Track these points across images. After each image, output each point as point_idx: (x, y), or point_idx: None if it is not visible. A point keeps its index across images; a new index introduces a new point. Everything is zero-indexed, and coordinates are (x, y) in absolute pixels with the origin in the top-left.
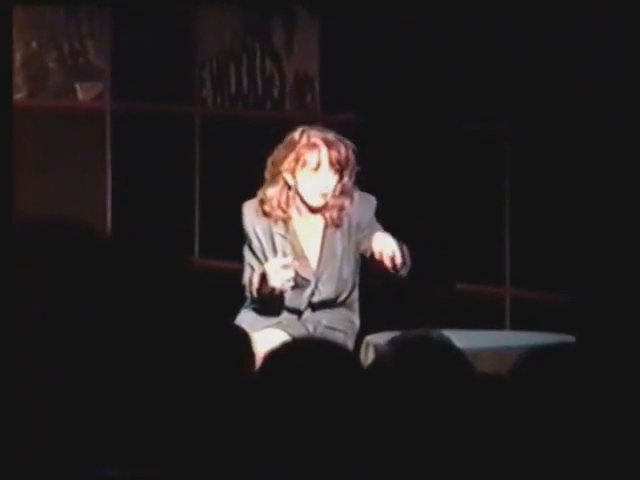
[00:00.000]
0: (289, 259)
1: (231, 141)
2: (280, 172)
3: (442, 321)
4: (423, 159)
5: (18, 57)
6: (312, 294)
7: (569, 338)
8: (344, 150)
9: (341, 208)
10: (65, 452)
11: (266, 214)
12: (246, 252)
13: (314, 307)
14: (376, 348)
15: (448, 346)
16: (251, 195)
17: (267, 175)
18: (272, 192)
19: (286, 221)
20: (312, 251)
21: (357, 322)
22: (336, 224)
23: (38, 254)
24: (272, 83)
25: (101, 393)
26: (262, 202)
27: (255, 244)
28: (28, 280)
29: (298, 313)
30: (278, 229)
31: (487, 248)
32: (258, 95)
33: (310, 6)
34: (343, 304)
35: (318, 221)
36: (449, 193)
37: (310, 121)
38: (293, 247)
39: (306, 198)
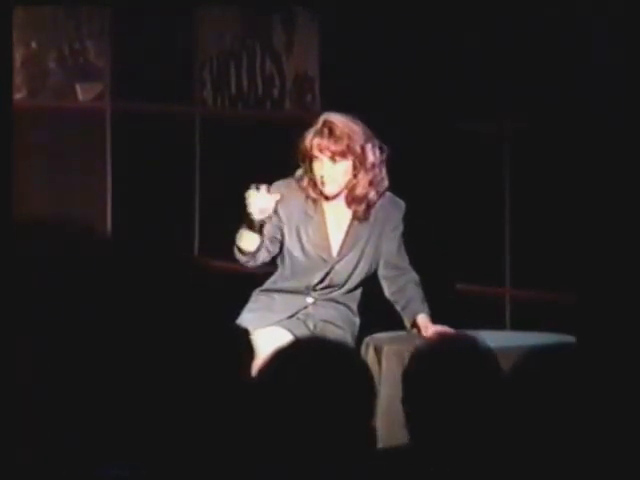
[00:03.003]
0: (267, 188)
1: (231, 141)
2: (300, 156)
3: (442, 321)
4: (423, 159)
5: (18, 57)
6: (326, 274)
7: (569, 338)
8: (344, 141)
9: (369, 203)
10: (66, 451)
11: (302, 189)
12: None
13: (323, 287)
14: (381, 350)
15: (482, 346)
16: None
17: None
18: (301, 173)
19: (316, 202)
20: (336, 236)
21: (357, 321)
22: (363, 218)
23: (38, 254)
24: (272, 83)
25: (100, 392)
26: (301, 177)
27: (274, 219)
28: (28, 280)
29: (305, 293)
30: (308, 207)
31: (487, 248)
32: (258, 95)
33: (310, 6)
34: (346, 299)
35: (346, 212)
36: (449, 193)
37: (310, 121)
38: (318, 228)
39: (317, 184)
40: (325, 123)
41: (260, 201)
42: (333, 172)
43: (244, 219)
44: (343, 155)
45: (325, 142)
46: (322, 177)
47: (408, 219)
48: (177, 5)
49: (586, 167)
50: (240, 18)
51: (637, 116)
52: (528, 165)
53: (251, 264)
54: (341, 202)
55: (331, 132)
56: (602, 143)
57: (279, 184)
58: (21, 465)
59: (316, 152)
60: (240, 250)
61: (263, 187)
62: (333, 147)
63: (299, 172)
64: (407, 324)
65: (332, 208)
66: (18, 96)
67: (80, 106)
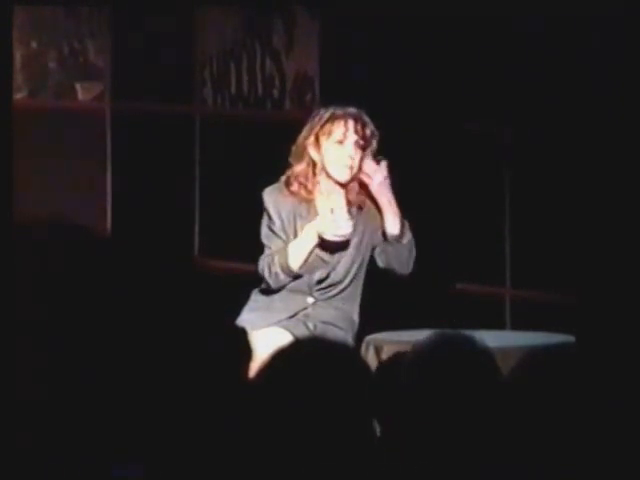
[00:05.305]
0: (346, 211)
1: (231, 141)
2: (305, 148)
3: (442, 321)
4: (423, 159)
5: (18, 57)
6: (327, 274)
7: (569, 338)
8: (368, 127)
9: (367, 195)
10: (65, 451)
11: (292, 193)
12: (266, 235)
13: (324, 286)
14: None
15: (480, 346)
16: (251, 194)
17: (292, 155)
18: (298, 169)
19: (309, 202)
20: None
21: (357, 319)
22: (359, 206)
23: (38, 254)
24: (272, 83)
25: (99, 392)
26: (288, 181)
27: (278, 225)
28: (28, 279)
29: (305, 293)
30: (301, 211)
31: (487, 248)
32: (258, 95)
33: (310, 6)
34: (346, 297)
35: (340, 205)
36: (449, 193)
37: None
38: None
39: (331, 171)
40: (355, 110)
41: (346, 222)
42: (356, 158)
43: (305, 239)
44: (369, 142)
45: (359, 125)
46: (346, 162)
47: (408, 219)
48: (177, 5)
49: (586, 167)
50: (240, 18)
51: (638, 117)
52: (528, 165)
53: (282, 283)
54: (334, 197)
55: (364, 118)
56: (602, 144)
57: (271, 190)
58: (21, 463)
59: (346, 134)
60: (289, 272)
61: (344, 209)
62: (366, 131)
63: (284, 177)
64: (389, 226)
65: (324, 205)
66: (18, 96)
67: (80, 106)
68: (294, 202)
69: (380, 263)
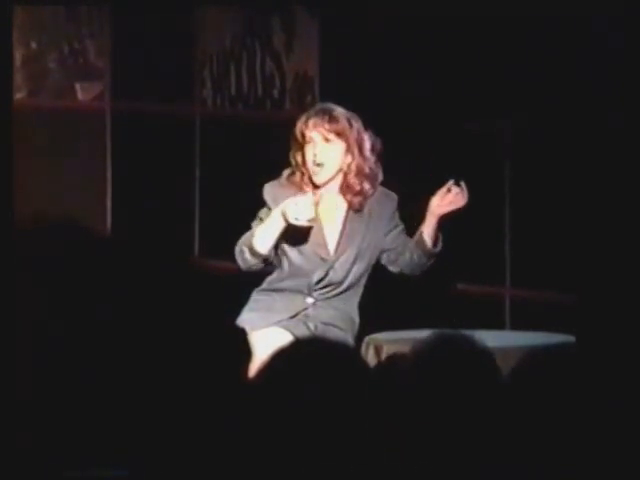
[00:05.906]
0: (311, 196)
1: (231, 141)
2: (292, 153)
3: (442, 321)
4: (423, 159)
5: (18, 57)
6: (326, 273)
7: (569, 338)
8: (331, 121)
9: (364, 194)
10: (67, 452)
11: (294, 184)
12: (255, 223)
13: (323, 286)
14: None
15: (480, 346)
16: (251, 194)
17: (290, 158)
18: (290, 171)
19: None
20: (332, 234)
21: (357, 319)
22: (357, 209)
23: (39, 254)
24: (272, 83)
25: (98, 391)
26: (289, 176)
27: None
28: (28, 279)
29: (305, 293)
30: None
31: (487, 248)
32: (258, 95)
33: (310, 6)
34: (346, 298)
35: (340, 204)
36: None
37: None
38: (313, 226)
39: (309, 173)
40: (322, 106)
41: (309, 208)
42: (326, 154)
43: (272, 221)
44: (338, 135)
45: (320, 120)
46: (314, 160)
47: (408, 219)
48: (177, 5)
49: (586, 167)
50: (240, 18)
51: (638, 117)
52: (528, 165)
53: (255, 268)
54: (334, 196)
55: (328, 113)
56: (602, 144)
57: (271, 185)
58: (20, 462)
59: (310, 133)
60: (254, 253)
61: (309, 193)
62: (328, 125)
63: (286, 171)
64: (428, 241)
65: (325, 204)
66: (18, 96)
67: (80, 106)
68: (294, 195)
69: (393, 269)
